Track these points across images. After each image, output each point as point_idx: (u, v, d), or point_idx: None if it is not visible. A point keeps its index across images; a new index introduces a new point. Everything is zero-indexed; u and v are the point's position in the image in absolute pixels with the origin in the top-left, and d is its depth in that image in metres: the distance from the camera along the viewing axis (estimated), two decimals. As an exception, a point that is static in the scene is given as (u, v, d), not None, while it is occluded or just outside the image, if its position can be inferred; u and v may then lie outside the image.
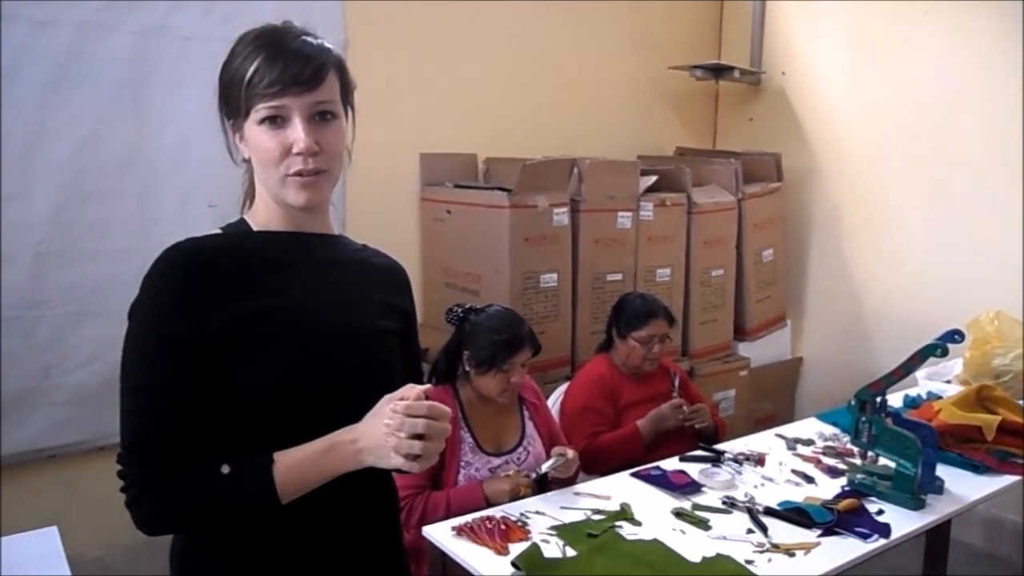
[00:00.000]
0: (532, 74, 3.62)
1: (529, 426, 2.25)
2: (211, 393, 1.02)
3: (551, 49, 3.67)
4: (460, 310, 2.25)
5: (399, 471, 1.03)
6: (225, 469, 1.01)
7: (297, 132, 1.04)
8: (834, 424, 2.54)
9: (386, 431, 0.99)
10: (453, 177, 3.36)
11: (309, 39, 1.07)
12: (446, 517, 1.87)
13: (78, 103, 2.57)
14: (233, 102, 1.06)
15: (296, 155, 1.04)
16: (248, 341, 1.04)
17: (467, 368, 2.17)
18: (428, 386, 1.03)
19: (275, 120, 1.04)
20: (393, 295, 1.24)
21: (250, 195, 1.17)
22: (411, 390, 1.02)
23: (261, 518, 1.04)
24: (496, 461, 2.13)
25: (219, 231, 1.14)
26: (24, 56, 2.47)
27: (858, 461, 2.13)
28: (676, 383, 2.62)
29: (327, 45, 1.09)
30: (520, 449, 2.19)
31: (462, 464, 2.09)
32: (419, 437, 0.98)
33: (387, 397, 1.03)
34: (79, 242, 2.62)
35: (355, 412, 1.06)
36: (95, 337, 2.63)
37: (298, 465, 1.03)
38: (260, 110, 1.04)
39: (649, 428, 2.46)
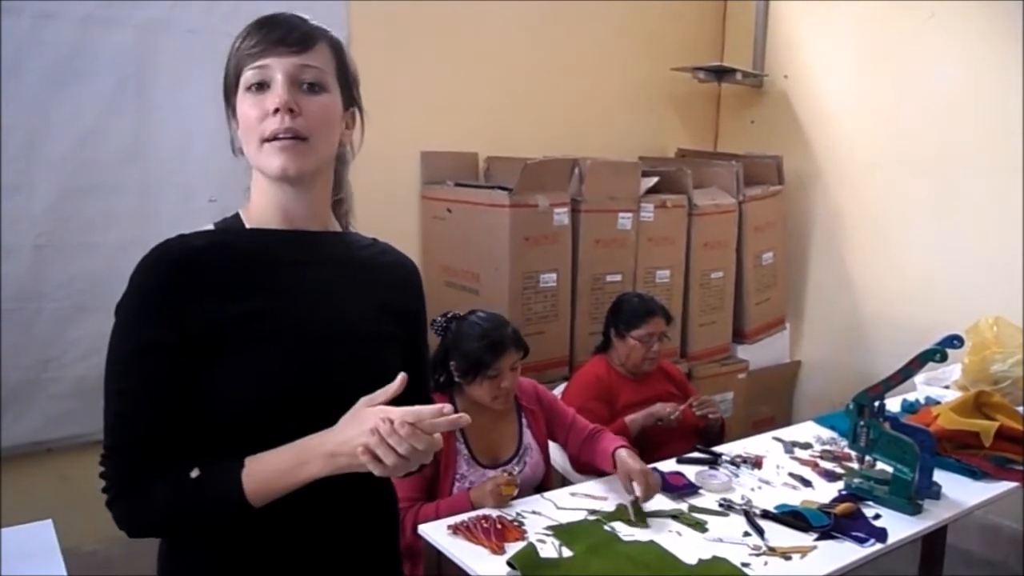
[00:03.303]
0: (534, 74, 3.61)
1: (527, 435, 2.21)
2: (192, 397, 1.00)
3: (553, 49, 3.66)
4: (443, 319, 2.23)
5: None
6: (194, 473, 0.99)
7: (276, 91, 1.01)
8: (832, 428, 2.53)
9: (371, 439, 0.92)
10: (454, 176, 3.35)
11: (304, 16, 1.06)
12: None
13: (80, 97, 2.56)
14: (227, 81, 1.05)
15: (273, 115, 1.00)
16: (232, 344, 1.01)
17: (455, 379, 2.14)
18: (444, 406, 0.95)
19: (260, 86, 1.02)
20: (397, 296, 1.18)
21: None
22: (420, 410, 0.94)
23: (241, 519, 1.00)
24: (491, 473, 2.07)
25: (211, 227, 1.10)
26: (27, 49, 2.46)
27: (855, 465, 2.12)
28: (695, 404, 2.52)
29: (324, 26, 1.07)
30: (517, 459, 2.15)
31: (457, 476, 2.05)
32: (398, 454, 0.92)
33: (365, 399, 0.97)
34: (80, 235, 2.62)
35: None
36: (94, 331, 2.62)
37: (268, 472, 0.98)
38: (246, 74, 1.02)
39: (639, 422, 2.45)
